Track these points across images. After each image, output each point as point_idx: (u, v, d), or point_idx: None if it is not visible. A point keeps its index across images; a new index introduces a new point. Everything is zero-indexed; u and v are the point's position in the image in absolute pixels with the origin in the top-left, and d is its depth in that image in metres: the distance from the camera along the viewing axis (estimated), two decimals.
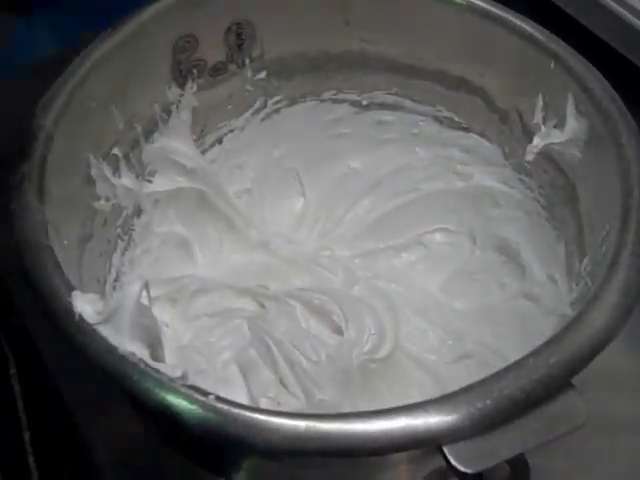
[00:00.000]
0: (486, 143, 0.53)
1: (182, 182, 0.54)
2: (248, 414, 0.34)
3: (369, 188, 0.57)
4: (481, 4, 0.48)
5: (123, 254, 0.52)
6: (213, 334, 0.53)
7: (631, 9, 0.60)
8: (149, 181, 0.53)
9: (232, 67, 0.52)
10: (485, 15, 0.48)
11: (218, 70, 0.52)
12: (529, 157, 0.48)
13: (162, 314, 0.52)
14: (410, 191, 0.56)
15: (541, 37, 0.46)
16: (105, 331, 0.37)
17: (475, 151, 0.54)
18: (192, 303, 0.53)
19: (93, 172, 0.48)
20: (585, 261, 0.44)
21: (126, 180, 0.51)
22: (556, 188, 0.49)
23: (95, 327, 0.37)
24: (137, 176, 0.52)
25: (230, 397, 0.35)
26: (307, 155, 0.57)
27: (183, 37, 0.49)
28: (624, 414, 0.49)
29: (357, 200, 0.58)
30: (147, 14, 0.47)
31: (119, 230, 0.51)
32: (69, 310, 0.37)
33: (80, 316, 0.37)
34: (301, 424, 0.34)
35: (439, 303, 0.54)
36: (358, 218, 0.57)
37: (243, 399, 0.49)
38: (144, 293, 0.39)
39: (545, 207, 0.51)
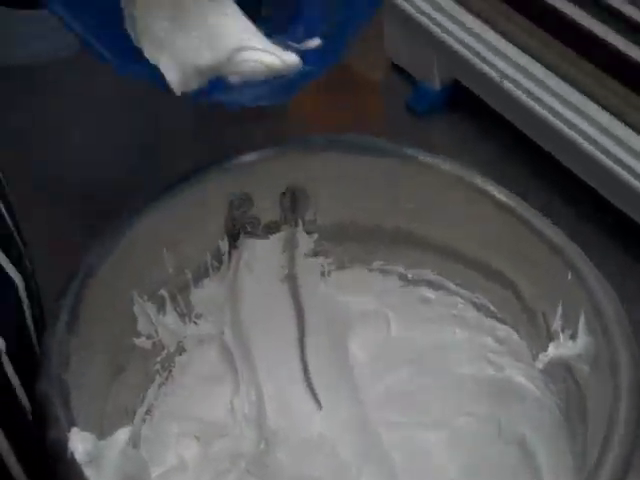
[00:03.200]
0: (516, 338, 0.53)
1: (228, 328, 0.57)
2: None
3: (406, 360, 0.58)
4: (518, 208, 0.49)
5: (159, 388, 0.55)
6: (231, 477, 0.55)
7: None
8: (195, 323, 0.56)
9: (285, 227, 0.56)
10: (520, 218, 0.49)
11: (271, 228, 0.55)
12: (539, 365, 0.48)
13: (185, 451, 0.55)
14: (444, 371, 0.57)
15: (564, 247, 0.47)
16: (90, 472, 0.40)
17: (506, 343, 0.54)
18: (216, 444, 0.56)
19: (136, 309, 0.52)
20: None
21: (171, 320, 0.54)
22: (572, 396, 0.49)
23: (82, 466, 0.40)
24: (182, 317, 0.55)
25: None
26: (354, 316, 0.59)
27: (239, 196, 0.53)
28: None
29: (393, 369, 0.59)
30: (206, 174, 0.52)
31: (158, 366, 0.55)
32: (63, 445, 0.40)
33: (72, 453, 0.40)
34: None
35: None
36: (390, 387, 0.58)
37: None
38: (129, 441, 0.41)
39: (564, 413, 0.50)
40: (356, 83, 0.82)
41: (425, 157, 0.52)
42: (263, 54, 0.40)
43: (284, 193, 0.54)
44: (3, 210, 0.43)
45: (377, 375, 0.59)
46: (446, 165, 0.52)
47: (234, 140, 0.66)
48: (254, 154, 0.52)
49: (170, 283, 0.54)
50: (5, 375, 0.42)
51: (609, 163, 0.60)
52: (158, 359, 0.54)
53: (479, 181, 0.51)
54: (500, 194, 0.50)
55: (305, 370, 0.59)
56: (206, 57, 0.40)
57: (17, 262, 0.42)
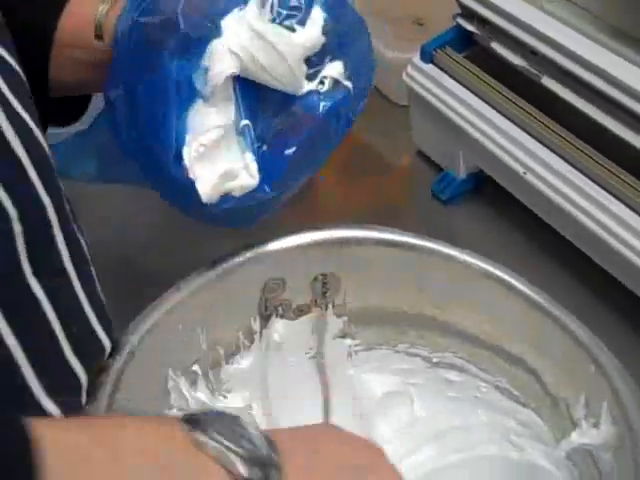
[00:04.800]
0: (539, 421, 0.55)
1: (255, 403, 0.59)
2: None
3: (430, 438, 0.60)
4: (541, 301, 0.52)
5: None
6: None
7: None
8: (224, 397, 0.58)
9: (315, 309, 0.58)
10: (542, 310, 0.51)
11: (302, 311, 0.58)
12: (562, 451, 0.49)
13: None
14: (468, 450, 0.58)
15: (587, 340, 0.49)
16: None
17: (529, 426, 0.56)
18: None
19: (170, 385, 0.53)
20: None
21: (201, 394, 0.56)
22: None
23: None
24: (212, 392, 0.57)
25: None
26: (378, 395, 0.61)
27: (272, 279, 0.55)
28: None
29: (417, 447, 0.60)
30: (241, 257, 0.54)
31: None
32: None
33: None
34: None
35: None
36: (415, 465, 0.59)
37: None
38: None
39: None
40: (383, 169, 0.85)
41: (451, 250, 0.55)
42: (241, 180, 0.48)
43: (316, 278, 0.56)
44: (96, 283, 0.46)
45: (401, 453, 0.60)
46: (472, 258, 0.55)
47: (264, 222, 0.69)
48: (289, 240, 0.54)
49: (203, 359, 0.55)
50: None
51: (627, 252, 0.62)
52: None
53: (503, 274, 0.53)
54: (524, 287, 0.53)
55: None
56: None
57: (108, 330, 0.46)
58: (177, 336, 0.53)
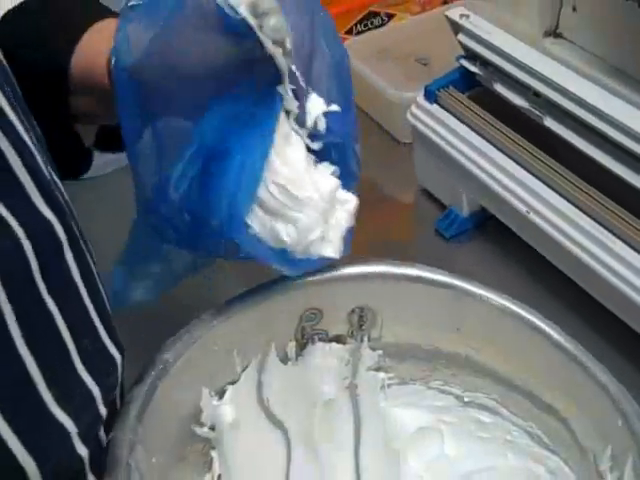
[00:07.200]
0: (568, 472, 0.54)
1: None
2: None
3: (457, 478, 0.60)
4: (573, 350, 0.51)
5: (217, 475, 0.58)
6: None
7: None
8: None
9: (351, 341, 0.58)
10: (574, 359, 0.51)
11: (338, 341, 0.58)
12: None
13: None
14: None
15: (616, 393, 0.48)
16: None
17: (558, 475, 0.55)
18: None
19: (202, 403, 0.55)
20: None
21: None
22: None
23: None
24: None
25: None
26: (409, 430, 0.61)
27: (310, 309, 0.56)
28: None
29: None
30: (281, 285, 0.55)
31: (216, 454, 0.57)
32: None
33: None
34: None
35: None
36: None
37: None
38: None
39: None
40: (387, 205, 0.85)
41: (489, 293, 0.55)
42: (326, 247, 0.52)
43: (353, 311, 0.57)
44: (104, 296, 0.46)
45: None
46: (508, 303, 0.55)
47: None
48: (326, 273, 0.55)
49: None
50: (99, 439, 0.45)
51: (631, 292, 0.62)
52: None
53: (538, 321, 0.53)
54: (555, 334, 0.52)
55: (358, 477, 0.61)
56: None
57: (117, 341, 0.46)
58: (213, 357, 0.54)
